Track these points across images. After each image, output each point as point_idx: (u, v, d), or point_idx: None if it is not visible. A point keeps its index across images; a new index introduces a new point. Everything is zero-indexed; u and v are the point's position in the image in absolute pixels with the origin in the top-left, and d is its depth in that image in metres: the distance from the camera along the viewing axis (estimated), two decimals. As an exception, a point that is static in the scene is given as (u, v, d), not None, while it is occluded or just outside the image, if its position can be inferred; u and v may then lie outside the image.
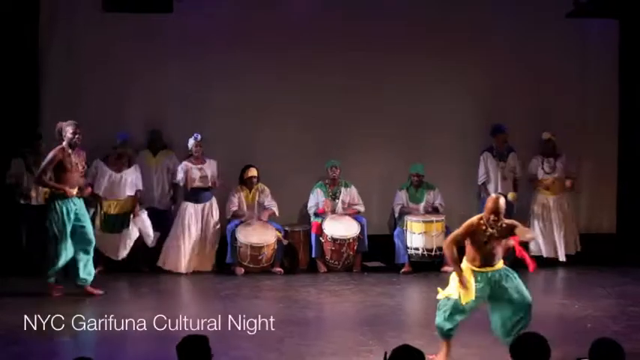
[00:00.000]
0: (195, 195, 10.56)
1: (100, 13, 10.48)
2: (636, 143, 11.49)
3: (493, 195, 7.03)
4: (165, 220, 10.72)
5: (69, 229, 8.92)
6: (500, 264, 6.90)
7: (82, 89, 10.86)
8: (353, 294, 9.51)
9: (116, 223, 10.22)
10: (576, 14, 10.96)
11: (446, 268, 10.62)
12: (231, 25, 11.10)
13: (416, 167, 10.97)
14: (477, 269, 6.77)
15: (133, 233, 10.21)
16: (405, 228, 10.68)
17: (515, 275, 6.85)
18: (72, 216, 8.93)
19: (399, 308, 8.64)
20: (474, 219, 6.82)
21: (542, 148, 11.12)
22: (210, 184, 10.55)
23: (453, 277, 6.83)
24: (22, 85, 10.69)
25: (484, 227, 6.75)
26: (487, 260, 6.79)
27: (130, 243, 10.21)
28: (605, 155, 11.70)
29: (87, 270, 9.11)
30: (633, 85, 11.51)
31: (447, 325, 6.77)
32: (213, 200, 10.65)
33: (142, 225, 10.20)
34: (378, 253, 10.95)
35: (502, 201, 6.79)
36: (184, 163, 10.59)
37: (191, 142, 10.54)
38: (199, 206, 10.57)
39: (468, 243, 6.83)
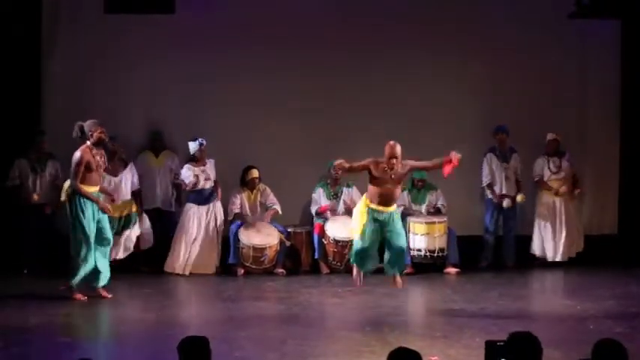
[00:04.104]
0: (200, 196, 10.53)
1: (102, 15, 10.49)
2: (638, 144, 11.47)
3: (391, 142, 7.98)
4: (169, 222, 10.71)
5: (94, 227, 8.67)
6: (393, 207, 8.14)
7: (83, 91, 10.84)
8: (355, 295, 9.47)
9: (117, 226, 10.05)
10: (578, 15, 10.96)
11: (449, 270, 10.63)
12: (231, 25, 11.09)
13: (420, 172, 10.91)
14: (374, 207, 7.95)
15: (134, 234, 10.10)
16: (407, 229, 10.65)
17: (400, 220, 8.17)
18: (95, 214, 8.69)
19: (401, 309, 8.63)
20: (375, 159, 7.95)
21: (547, 148, 11.08)
22: (213, 184, 10.56)
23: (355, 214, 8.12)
24: (24, 86, 10.68)
25: (385, 168, 7.85)
26: (386, 201, 7.94)
27: (130, 245, 10.11)
28: (607, 156, 11.68)
29: (105, 275, 8.90)
30: (635, 86, 11.49)
31: (358, 257, 8.17)
32: (217, 201, 10.65)
33: (143, 226, 10.12)
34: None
35: (398, 147, 7.93)
36: (188, 165, 10.54)
37: (195, 146, 10.49)
38: (203, 208, 10.54)
39: (370, 183, 8.00)
